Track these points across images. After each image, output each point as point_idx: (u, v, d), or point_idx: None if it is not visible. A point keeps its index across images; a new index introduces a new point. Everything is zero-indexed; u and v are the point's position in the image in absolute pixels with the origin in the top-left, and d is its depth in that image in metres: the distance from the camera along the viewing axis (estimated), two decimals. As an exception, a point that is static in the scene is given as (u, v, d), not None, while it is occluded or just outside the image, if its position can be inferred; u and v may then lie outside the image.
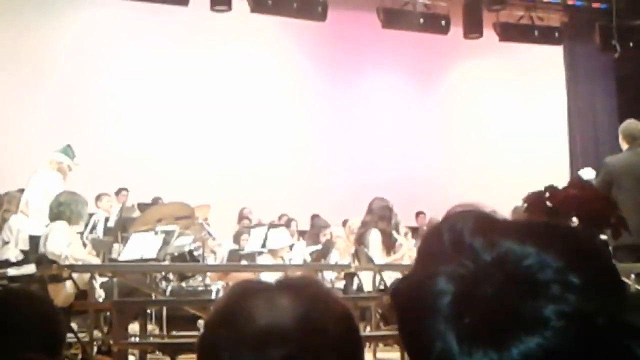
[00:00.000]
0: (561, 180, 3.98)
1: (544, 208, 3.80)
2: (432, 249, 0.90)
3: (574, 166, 15.82)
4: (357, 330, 1.30)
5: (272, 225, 10.16)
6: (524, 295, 0.81)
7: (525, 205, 3.93)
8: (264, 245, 9.59)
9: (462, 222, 0.88)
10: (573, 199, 3.73)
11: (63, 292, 6.80)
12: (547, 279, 0.82)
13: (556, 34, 16.04)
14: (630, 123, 8.37)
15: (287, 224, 11.59)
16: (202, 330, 1.30)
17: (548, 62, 16.61)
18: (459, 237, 0.87)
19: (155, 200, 11.38)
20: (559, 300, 0.80)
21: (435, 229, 0.92)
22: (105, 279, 7.31)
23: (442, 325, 0.84)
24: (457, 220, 0.89)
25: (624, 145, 8.17)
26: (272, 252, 9.55)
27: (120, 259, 7.84)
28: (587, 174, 9.36)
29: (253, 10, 13.73)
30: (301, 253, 10.33)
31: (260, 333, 1.21)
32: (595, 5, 15.61)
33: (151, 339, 7.40)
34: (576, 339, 0.80)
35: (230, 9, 13.40)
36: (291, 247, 10.13)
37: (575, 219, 3.72)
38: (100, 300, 6.94)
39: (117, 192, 11.69)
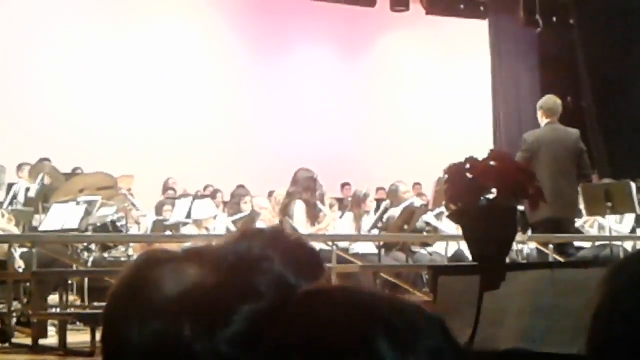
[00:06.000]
0: (484, 152, 4.01)
1: (464, 179, 3.83)
2: None
3: (497, 138, 16.05)
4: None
5: (197, 196, 10.08)
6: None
7: (446, 176, 3.96)
8: (188, 216, 9.51)
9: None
10: (492, 170, 3.77)
11: (-20, 263, 6.65)
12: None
13: (481, 8, 16.20)
14: (549, 98, 8.51)
15: (213, 195, 11.52)
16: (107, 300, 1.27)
17: (473, 36, 16.74)
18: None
19: (75, 171, 11.19)
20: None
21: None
22: (25, 249, 7.17)
23: None
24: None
25: (543, 120, 8.31)
26: (197, 223, 9.50)
27: (40, 228, 7.70)
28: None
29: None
30: (224, 223, 10.28)
31: (170, 302, 1.19)
32: (520, -20, 15.77)
33: (71, 310, 7.30)
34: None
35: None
36: (215, 217, 10.08)
37: (494, 190, 3.76)
38: (20, 270, 6.81)
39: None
